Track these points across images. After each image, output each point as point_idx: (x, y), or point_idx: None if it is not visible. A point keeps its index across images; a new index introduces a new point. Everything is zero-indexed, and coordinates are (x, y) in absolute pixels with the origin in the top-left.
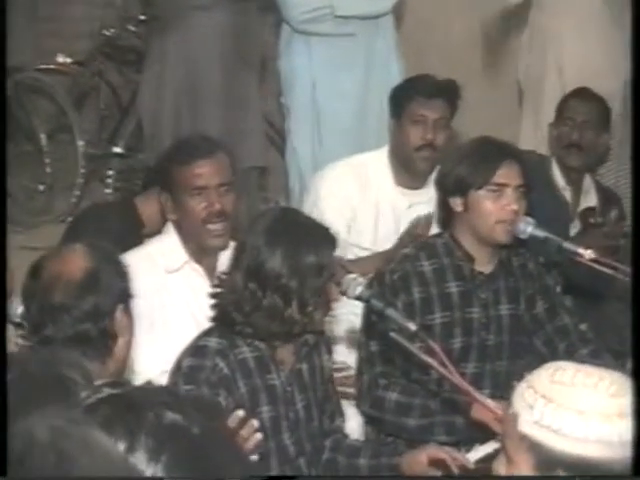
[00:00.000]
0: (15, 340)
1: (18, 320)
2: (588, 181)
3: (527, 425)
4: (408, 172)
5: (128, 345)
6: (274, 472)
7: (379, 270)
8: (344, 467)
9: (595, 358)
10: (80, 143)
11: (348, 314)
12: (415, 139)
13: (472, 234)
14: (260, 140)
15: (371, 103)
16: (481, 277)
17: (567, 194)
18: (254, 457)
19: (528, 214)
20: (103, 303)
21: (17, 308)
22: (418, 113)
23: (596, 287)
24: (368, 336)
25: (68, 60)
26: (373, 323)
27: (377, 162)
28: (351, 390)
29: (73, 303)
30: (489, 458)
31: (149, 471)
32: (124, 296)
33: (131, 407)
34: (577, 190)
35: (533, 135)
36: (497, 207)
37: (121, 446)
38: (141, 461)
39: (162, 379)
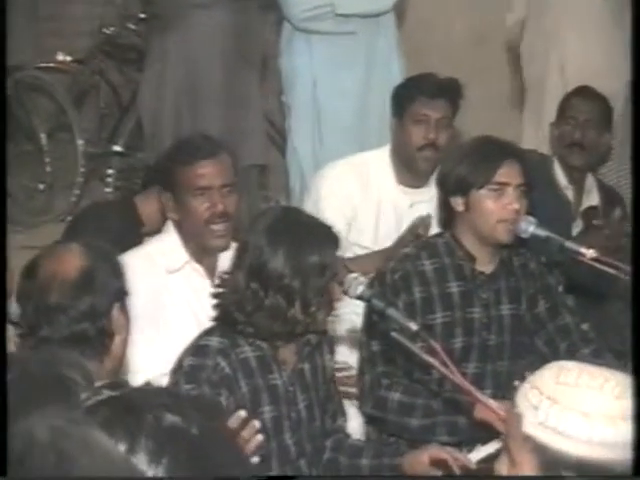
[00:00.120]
0: (15, 340)
1: (16, 320)
2: (590, 180)
3: (531, 426)
4: (410, 171)
5: (125, 343)
6: (275, 472)
7: (380, 269)
8: (346, 467)
9: (597, 358)
10: (80, 142)
11: (349, 314)
12: (417, 139)
13: (473, 234)
14: (261, 139)
15: (372, 102)
16: (482, 277)
17: (569, 193)
18: (255, 458)
19: (530, 213)
20: (100, 302)
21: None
22: (420, 113)
23: (598, 287)
24: (369, 336)
25: (68, 58)
26: (374, 323)
27: (378, 161)
28: (352, 390)
29: (69, 303)
30: (491, 458)
31: (150, 473)
32: (120, 294)
33: (130, 409)
34: (579, 189)
35: (535, 134)
36: (498, 206)
37: (121, 448)
38: (142, 463)
39: (163, 379)
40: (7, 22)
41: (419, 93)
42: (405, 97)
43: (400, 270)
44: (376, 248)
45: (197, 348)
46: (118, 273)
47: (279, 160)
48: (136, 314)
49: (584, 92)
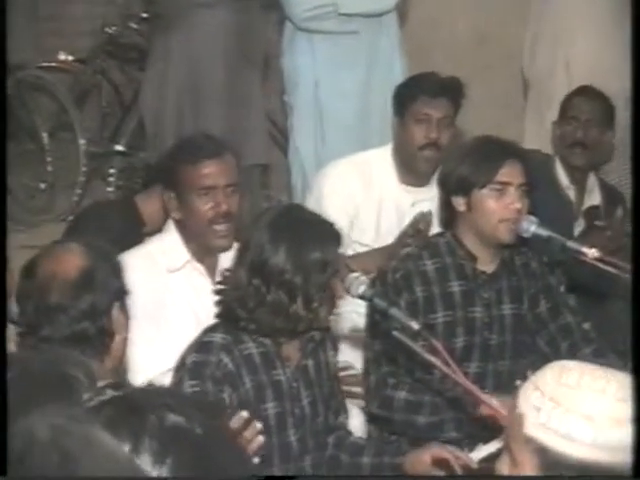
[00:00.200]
0: (15, 339)
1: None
2: (592, 180)
3: (533, 427)
4: (411, 171)
5: (125, 342)
6: (277, 469)
7: (381, 268)
8: (347, 465)
9: (598, 357)
10: (82, 141)
11: (350, 312)
12: (419, 138)
13: (475, 233)
14: (263, 138)
15: (374, 101)
16: (483, 276)
17: (571, 193)
18: (256, 459)
19: (532, 213)
20: (100, 301)
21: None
22: (422, 112)
23: (600, 286)
24: (373, 336)
25: (70, 58)
26: (377, 322)
27: (381, 160)
28: (354, 389)
29: (70, 302)
30: (492, 457)
31: (154, 473)
32: (120, 293)
33: (134, 409)
34: (581, 189)
35: (537, 134)
36: (500, 206)
37: (125, 448)
38: (146, 463)
39: (164, 378)
40: (8, 21)
41: (421, 92)
42: (407, 96)
43: (402, 269)
44: (377, 246)
45: (201, 345)
46: (118, 272)
47: (281, 159)
48: (137, 313)
49: (586, 91)
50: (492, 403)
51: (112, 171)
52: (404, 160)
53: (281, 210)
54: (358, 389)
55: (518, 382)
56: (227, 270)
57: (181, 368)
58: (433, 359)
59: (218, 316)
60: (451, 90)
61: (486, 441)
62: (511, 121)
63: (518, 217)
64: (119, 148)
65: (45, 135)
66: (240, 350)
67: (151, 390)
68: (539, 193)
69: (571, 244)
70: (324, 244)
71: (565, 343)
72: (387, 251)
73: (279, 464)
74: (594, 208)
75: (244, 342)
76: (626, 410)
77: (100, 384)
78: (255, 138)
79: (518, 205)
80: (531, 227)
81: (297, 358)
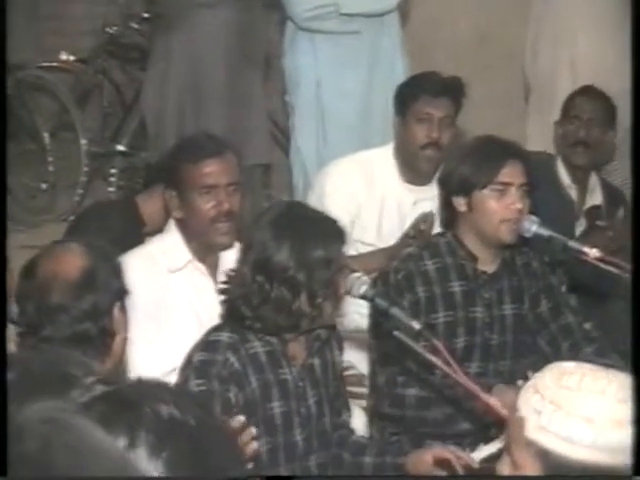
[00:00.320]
0: (15, 339)
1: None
2: (594, 179)
3: (534, 431)
4: (413, 170)
5: (124, 342)
6: (283, 468)
7: (383, 269)
8: (349, 464)
9: (600, 357)
10: (83, 141)
11: (352, 313)
12: (420, 137)
13: (476, 234)
14: (264, 138)
15: (376, 101)
16: (484, 276)
17: (572, 192)
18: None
19: (533, 213)
20: (101, 302)
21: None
22: (424, 111)
23: (601, 286)
24: (377, 336)
25: (71, 58)
26: (379, 323)
27: (383, 158)
28: (355, 389)
29: (71, 303)
30: (494, 458)
31: (150, 467)
32: (121, 294)
33: (127, 404)
34: (583, 188)
35: (540, 133)
36: (501, 206)
37: (122, 443)
38: (142, 457)
39: (166, 379)
40: (8, 21)
41: (422, 91)
42: (408, 95)
43: (403, 270)
44: (379, 245)
45: (207, 343)
46: (118, 272)
47: (282, 159)
48: (138, 314)
49: (588, 91)
50: (492, 402)
51: (113, 171)
52: (405, 159)
53: (284, 207)
54: (359, 389)
55: (520, 382)
56: (231, 270)
57: (187, 367)
58: (434, 359)
59: (222, 316)
60: (452, 90)
61: (487, 441)
62: (512, 121)
63: (519, 217)
64: (120, 148)
65: (46, 135)
66: (246, 349)
67: (142, 384)
68: (541, 193)
69: (572, 244)
70: (327, 241)
71: (566, 343)
72: (389, 252)
73: (285, 463)
74: (596, 208)
75: (250, 341)
76: (626, 411)
77: (89, 380)
78: (256, 138)
79: (519, 205)
80: (532, 227)
81: (303, 357)
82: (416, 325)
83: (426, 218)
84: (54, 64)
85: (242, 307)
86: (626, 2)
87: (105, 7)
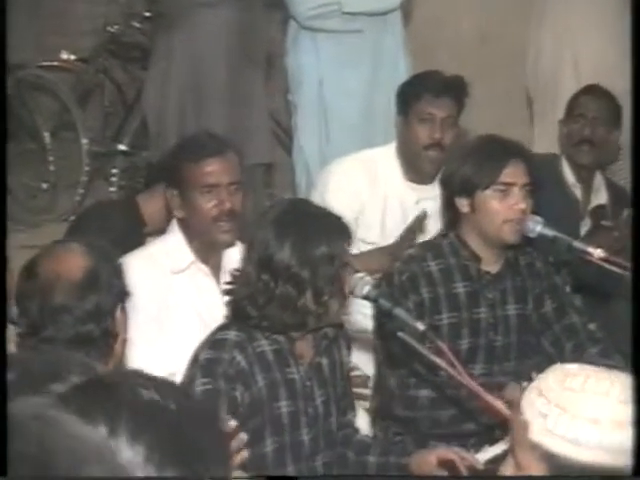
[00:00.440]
0: (15, 339)
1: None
2: (599, 179)
3: (539, 434)
4: (415, 170)
5: (124, 343)
6: (290, 468)
7: (386, 270)
8: (353, 463)
9: (604, 357)
10: (84, 141)
11: (355, 313)
12: (423, 137)
13: (479, 234)
14: (266, 137)
15: (378, 100)
16: (488, 277)
17: (577, 192)
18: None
19: (537, 212)
20: (104, 302)
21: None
22: (426, 111)
23: (606, 286)
24: (384, 338)
25: (72, 57)
26: (383, 323)
27: (385, 157)
28: (360, 390)
29: (75, 304)
30: (498, 459)
31: (130, 453)
32: (122, 295)
33: (106, 391)
34: (587, 188)
35: (544, 133)
36: (504, 206)
37: (102, 430)
38: (122, 443)
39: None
40: (9, 20)
41: (425, 91)
42: (410, 95)
43: (407, 271)
44: (382, 244)
45: (214, 342)
46: (120, 273)
47: (285, 159)
48: (139, 315)
49: (593, 90)
50: (496, 404)
51: (115, 171)
52: (408, 159)
53: (285, 206)
54: (363, 390)
55: (525, 383)
56: (236, 270)
57: (194, 365)
58: (438, 360)
59: (228, 317)
60: (455, 89)
61: (492, 442)
62: (515, 120)
63: (522, 217)
64: (122, 147)
65: (47, 135)
66: (253, 347)
67: (119, 371)
68: (545, 192)
69: (577, 244)
70: (330, 238)
71: (570, 343)
72: (388, 250)
73: (291, 463)
74: (600, 207)
75: (257, 339)
76: (629, 412)
77: (65, 370)
78: (258, 137)
79: (522, 205)
80: (537, 227)
81: (310, 356)
82: (420, 326)
83: (419, 220)
84: (55, 63)
85: (248, 307)
86: (627, 2)
87: (106, 6)
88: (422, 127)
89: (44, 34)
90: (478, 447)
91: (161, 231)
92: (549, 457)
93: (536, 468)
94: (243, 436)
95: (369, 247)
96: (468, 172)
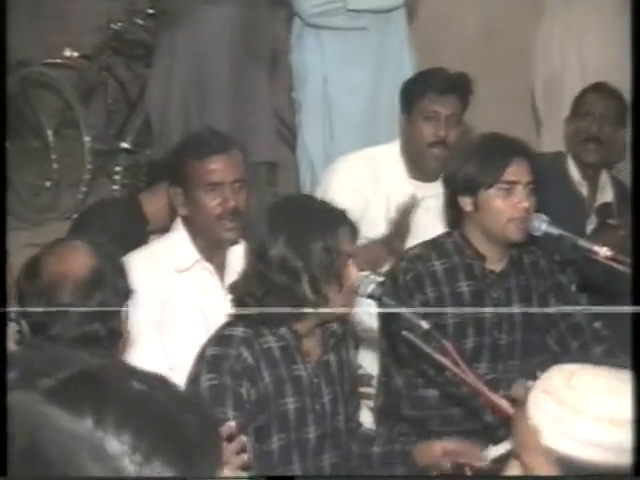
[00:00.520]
0: (15, 338)
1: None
2: (604, 177)
3: (553, 439)
4: (419, 168)
5: (126, 342)
6: (296, 465)
7: (391, 270)
8: (357, 456)
9: (610, 356)
10: (87, 139)
11: (360, 313)
12: (428, 136)
13: (482, 233)
14: (270, 135)
15: (383, 98)
16: (492, 276)
17: (583, 189)
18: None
19: (543, 210)
20: (110, 301)
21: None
22: (430, 109)
23: (611, 285)
24: (389, 339)
25: (75, 54)
26: (388, 322)
27: (389, 155)
28: (363, 389)
29: (82, 303)
30: (503, 459)
31: (115, 442)
32: (127, 293)
33: (94, 383)
34: (593, 186)
35: (550, 131)
36: (508, 205)
37: (88, 422)
38: (108, 432)
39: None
40: (12, 18)
41: (429, 88)
42: (414, 92)
43: (412, 271)
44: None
45: (221, 338)
46: (123, 272)
47: (289, 156)
48: (143, 314)
49: (600, 88)
50: (501, 404)
51: (118, 169)
52: (412, 157)
53: (281, 202)
54: (367, 389)
55: (530, 383)
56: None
57: (200, 361)
58: (443, 359)
59: (231, 314)
60: (459, 87)
61: (497, 441)
62: (520, 118)
63: (526, 216)
64: (125, 145)
65: (50, 132)
66: (260, 344)
67: (107, 364)
68: (551, 190)
69: (582, 243)
70: (328, 230)
71: (575, 342)
72: (383, 241)
73: (297, 461)
74: (606, 205)
75: (264, 336)
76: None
77: (50, 363)
78: (262, 135)
79: (526, 204)
80: (542, 226)
81: (318, 353)
82: (425, 325)
83: (410, 204)
84: (58, 61)
85: (247, 300)
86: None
87: (109, 3)
88: (426, 125)
89: (47, 31)
90: (485, 445)
91: (164, 229)
92: (565, 461)
93: (547, 471)
94: (243, 438)
95: None
96: (471, 171)
